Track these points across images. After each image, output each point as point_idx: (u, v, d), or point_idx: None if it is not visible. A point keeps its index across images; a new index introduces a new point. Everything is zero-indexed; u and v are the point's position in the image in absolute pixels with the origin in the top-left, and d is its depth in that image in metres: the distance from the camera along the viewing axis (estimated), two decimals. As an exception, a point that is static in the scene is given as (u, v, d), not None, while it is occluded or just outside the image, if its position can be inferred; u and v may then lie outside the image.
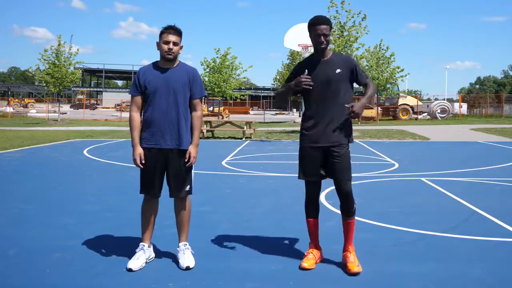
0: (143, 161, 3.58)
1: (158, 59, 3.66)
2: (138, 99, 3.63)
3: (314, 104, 3.55)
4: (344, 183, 3.55)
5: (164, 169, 3.64)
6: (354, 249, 3.62)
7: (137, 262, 3.53)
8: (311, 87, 3.46)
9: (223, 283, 3.27)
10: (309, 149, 3.58)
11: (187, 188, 3.65)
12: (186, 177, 3.63)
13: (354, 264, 3.47)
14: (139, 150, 3.58)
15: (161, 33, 3.58)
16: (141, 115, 3.66)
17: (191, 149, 3.58)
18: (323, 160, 3.57)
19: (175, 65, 3.63)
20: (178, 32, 3.58)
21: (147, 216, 3.70)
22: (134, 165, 3.62)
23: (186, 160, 3.57)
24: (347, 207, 3.58)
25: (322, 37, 3.47)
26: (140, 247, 3.65)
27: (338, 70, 3.52)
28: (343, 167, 3.54)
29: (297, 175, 3.70)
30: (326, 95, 3.50)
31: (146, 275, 3.40)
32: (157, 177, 3.62)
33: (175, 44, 3.55)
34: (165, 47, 3.53)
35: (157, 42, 3.60)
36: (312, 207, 3.71)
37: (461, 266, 3.62)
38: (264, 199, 6.21)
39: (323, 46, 3.50)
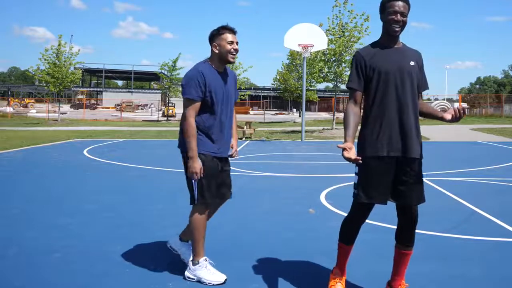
0: (203, 174, 3.24)
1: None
2: (198, 104, 3.21)
3: (385, 101, 2.79)
4: (416, 209, 2.90)
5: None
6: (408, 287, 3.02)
7: (216, 274, 3.29)
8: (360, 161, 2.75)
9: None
10: (377, 161, 2.78)
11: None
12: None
13: None
14: (200, 164, 3.21)
15: (219, 33, 3.26)
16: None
17: (233, 142, 3.55)
18: (393, 176, 2.83)
19: (224, 69, 3.37)
20: (236, 32, 3.36)
21: (204, 228, 3.35)
22: (193, 177, 3.22)
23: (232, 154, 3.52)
24: (411, 236, 2.96)
25: (399, 15, 2.73)
26: (203, 264, 3.32)
27: (412, 63, 2.84)
28: (419, 188, 2.86)
29: (355, 193, 2.87)
30: (399, 90, 2.79)
31: (146, 275, 3.40)
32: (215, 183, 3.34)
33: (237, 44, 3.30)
34: (230, 47, 3.24)
35: (214, 44, 3.26)
36: (355, 232, 2.99)
37: (461, 266, 3.62)
38: (264, 199, 6.20)
39: (397, 28, 2.76)
